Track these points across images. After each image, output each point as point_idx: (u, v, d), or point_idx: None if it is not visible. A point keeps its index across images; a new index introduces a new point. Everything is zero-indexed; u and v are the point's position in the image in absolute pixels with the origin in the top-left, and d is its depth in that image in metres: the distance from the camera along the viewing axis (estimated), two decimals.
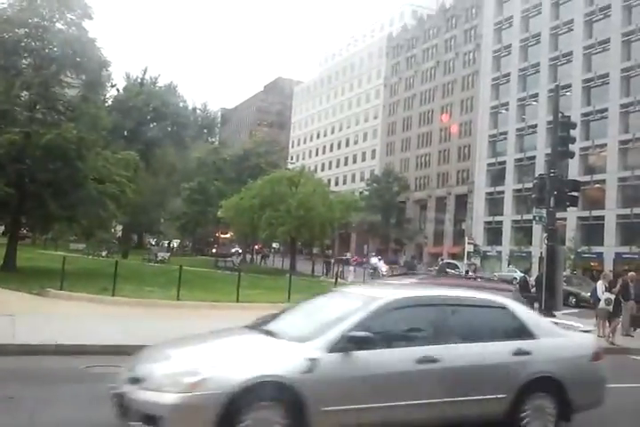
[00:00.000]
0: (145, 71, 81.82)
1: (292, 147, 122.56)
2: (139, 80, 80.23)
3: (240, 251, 61.00)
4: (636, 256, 48.79)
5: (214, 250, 59.42)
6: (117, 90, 68.42)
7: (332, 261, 40.93)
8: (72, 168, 23.61)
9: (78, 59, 25.46)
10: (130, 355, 9.73)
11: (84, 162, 24.20)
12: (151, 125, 77.59)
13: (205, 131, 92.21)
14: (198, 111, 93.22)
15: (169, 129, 77.35)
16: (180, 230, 68.23)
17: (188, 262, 32.21)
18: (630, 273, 19.55)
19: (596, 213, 58.01)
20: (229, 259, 43.00)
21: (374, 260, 44.00)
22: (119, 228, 61.67)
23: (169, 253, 48.51)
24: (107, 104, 48.97)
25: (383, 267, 34.67)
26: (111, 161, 27.66)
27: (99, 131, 27.41)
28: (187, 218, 63.03)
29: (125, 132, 71.92)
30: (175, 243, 79.93)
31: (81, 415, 6.81)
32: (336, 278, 24.32)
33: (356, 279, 33.41)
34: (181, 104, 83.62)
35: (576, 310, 24.66)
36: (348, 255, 61.55)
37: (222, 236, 70.08)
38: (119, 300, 16.82)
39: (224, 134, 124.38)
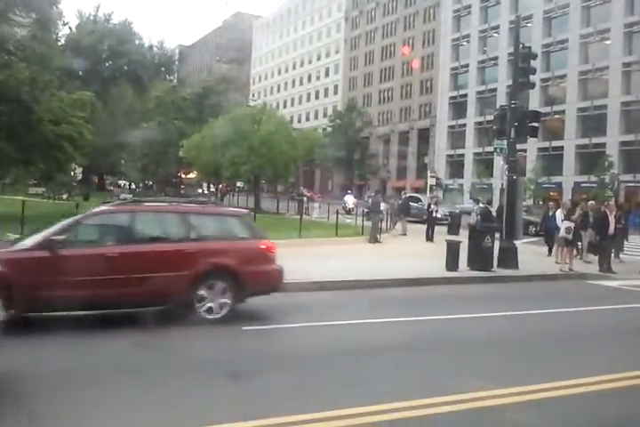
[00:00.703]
0: (98, 8, 78.94)
1: (254, 84, 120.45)
2: (91, 18, 77.34)
3: (214, 191, 60.49)
4: (594, 185, 49.93)
5: (182, 191, 58.61)
6: (70, 28, 65.96)
7: (306, 199, 40.37)
8: (26, 110, 22.99)
9: None
10: None
11: (38, 103, 23.55)
12: (107, 64, 75.38)
13: (163, 69, 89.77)
14: (155, 49, 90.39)
15: (125, 68, 75.28)
16: (142, 171, 67.38)
17: None
18: (590, 202, 20.03)
19: (555, 143, 58.82)
20: (192, 199, 42.79)
21: (348, 197, 43.26)
22: (79, 170, 60.68)
23: (131, 195, 48.10)
24: (59, 43, 47.29)
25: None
26: (66, 102, 26.90)
27: (52, 71, 26.56)
28: (148, 158, 62.13)
29: (80, 72, 69.81)
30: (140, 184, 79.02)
31: None
32: (301, 215, 24.52)
33: (321, 215, 33.78)
34: (137, 42, 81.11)
35: (536, 239, 25.35)
36: (304, 191, 61.34)
37: (187, 176, 69.20)
38: None
39: (183, 72, 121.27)
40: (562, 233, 17.05)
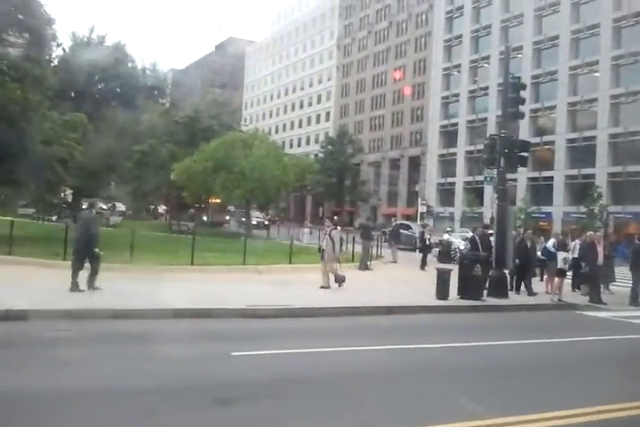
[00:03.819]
0: (92, 30, 79.03)
1: (246, 109, 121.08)
2: (85, 39, 77.59)
3: (261, 220, 53.47)
4: (584, 216, 50.20)
5: (205, 217, 53.64)
6: (63, 49, 66.15)
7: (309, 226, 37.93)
8: (18, 130, 22.86)
9: (21, 16, 24.36)
10: (72, 319, 9.68)
11: (30, 124, 23.45)
12: (99, 86, 75.38)
13: (156, 92, 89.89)
14: (148, 72, 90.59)
15: (118, 90, 75.17)
16: (132, 194, 67.08)
17: (141, 227, 31.85)
18: (589, 233, 19.68)
19: (545, 173, 59.25)
20: (184, 222, 42.51)
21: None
22: (69, 192, 60.36)
23: (121, 218, 47.85)
24: (52, 64, 47.39)
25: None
26: (58, 123, 26.94)
27: (44, 91, 26.50)
28: (138, 181, 61.91)
29: (72, 94, 69.85)
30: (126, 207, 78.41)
31: (21, 380, 6.78)
32: (291, 240, 24.44)
33: (312, 241, 33.66)
34: (130, 64, 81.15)
35: None
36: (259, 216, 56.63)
37: (215, 201, 64.22)
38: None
39: (175, 96, 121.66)
40: (559, 264, 16.91)
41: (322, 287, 15.80)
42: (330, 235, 16.24)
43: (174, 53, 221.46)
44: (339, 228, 17.59)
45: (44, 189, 27.16)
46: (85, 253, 12.73)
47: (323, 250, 16.11)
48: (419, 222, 37.13)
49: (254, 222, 49.02)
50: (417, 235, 32.42)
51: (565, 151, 58.72)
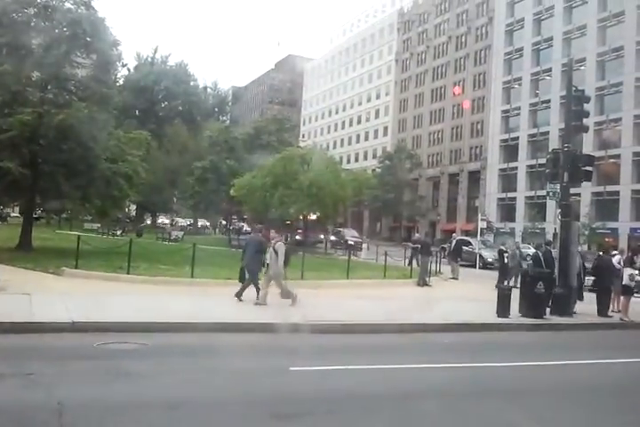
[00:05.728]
0: (155, 50, 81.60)
1: (304, 125, 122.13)
2: (149, 59, 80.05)
3: (359, 240, 47.64)
4: None
5: (298, 236, 45.92)
6: (128, 69, 68.56)
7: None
8: (84, 148, 23.62)
9: (88, 38, 25.28)
10: (142, 331, 9.89)
11: (96, 142, 24.19)
12: (162, 105, 77.56)
13: (217, 109, 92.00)
14: (209, 90, 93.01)
15: (180, 108, 77.27)
16: (193, 209, 68.37)
17: (201, 241, 32.32)
18: None
19: (610, 188, 57.58)
20: (244, 237, 42.81)
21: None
22: (133, 207, 62.01)
23: (182, 232, 48.75)
24: (118, 84, 49.01)
25: None
26: (123, 140, 27.67)
27: (110, 110, 27.39)
28: (199, 197, 63.03)
29: (137, 112, 72.07)
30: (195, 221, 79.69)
31: (94, 390, 6.92)
32: (349, 256, 24.38)
33: (369, 257, 33.51)
34: (192, 83, 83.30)
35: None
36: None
37: (310, 218, 57.69)
38: (134, 278, 16.97)
39: (235, 113, 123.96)
40: (625, 280, 16.35)
41: (256, 304, 13.96)
42: (274, 247, 14.35)
43: (235, 71, 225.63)
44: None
45: (109, 205, 27.87)
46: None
47: (267, 264, 14.30)
48: (479, 238, 36.44)
49: (351, 242, 44.35)
50: (477, 251, 31.90)
51: (632, 165, 57.01)
